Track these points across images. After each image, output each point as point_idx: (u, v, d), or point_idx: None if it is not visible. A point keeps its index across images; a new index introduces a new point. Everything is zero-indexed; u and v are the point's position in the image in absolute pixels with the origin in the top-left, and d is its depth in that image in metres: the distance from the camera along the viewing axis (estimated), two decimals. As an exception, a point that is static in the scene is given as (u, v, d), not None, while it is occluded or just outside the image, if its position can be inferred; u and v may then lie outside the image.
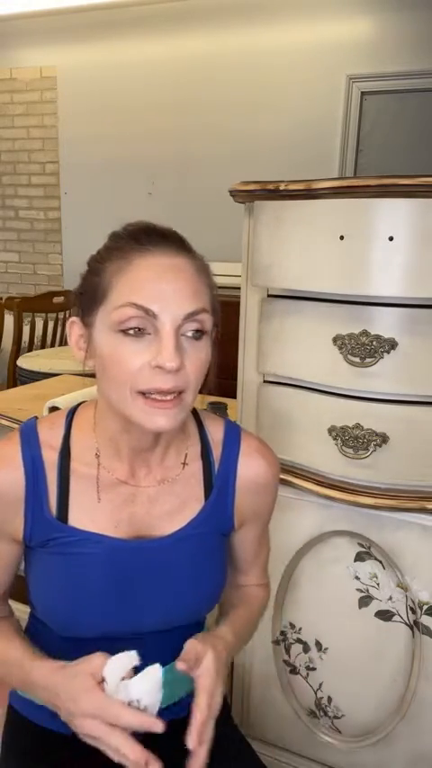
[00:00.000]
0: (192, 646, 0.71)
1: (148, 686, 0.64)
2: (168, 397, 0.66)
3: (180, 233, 0.72)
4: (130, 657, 0.65)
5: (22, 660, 0.74)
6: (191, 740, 0.65)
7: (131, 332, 0.65)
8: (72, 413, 0.81)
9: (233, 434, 0.84)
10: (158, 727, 0.62)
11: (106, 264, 0.68)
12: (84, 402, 0.83)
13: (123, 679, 0.64)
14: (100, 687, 0.64)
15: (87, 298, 0.70)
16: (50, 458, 0.76)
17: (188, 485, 0.80)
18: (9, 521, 0.76)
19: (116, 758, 0.63)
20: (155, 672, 0.65)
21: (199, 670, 0.69)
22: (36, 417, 0.80)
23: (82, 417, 0.80)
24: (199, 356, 0.68)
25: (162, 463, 0.79)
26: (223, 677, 0.72)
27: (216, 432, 0.84)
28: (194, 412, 0.85)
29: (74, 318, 0.73)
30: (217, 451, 0.82)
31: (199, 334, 0.68)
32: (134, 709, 0.63)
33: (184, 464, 0.80)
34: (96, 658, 0.66)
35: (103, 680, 0.65)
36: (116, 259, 0.68)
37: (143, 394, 0.66)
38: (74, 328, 0.73)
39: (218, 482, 0.81)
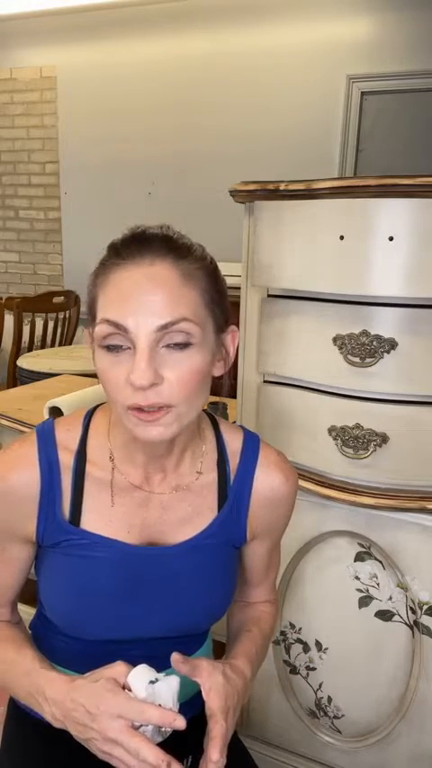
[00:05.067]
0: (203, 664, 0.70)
1: (170, 692, 0.65)
2: (155, 409, 0.65)
3: (176, 233, 0.70)
4: (150, 669, 0.66)
5: (33, 673, 0.73)
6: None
7: (111, 348, 0.65)
8: (90, 415, 0.80)
9: (252, 445, 0.82)
10: (181, 722, 0.61)
11: (96, 279, 0.69)
12: (102, 404, 0.82)
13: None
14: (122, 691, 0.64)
15: (88, 311, 0.71)
16: (66, 460, 0.76)
17: (202, 494, 0.79)
18: (23, 521, 0.76)
19: (134, 765, 0.62)
20: (174, 680, 0.66)
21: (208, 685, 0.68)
22: (54, 418, 0.80)
23: (99, 420, 0.79)
24: (186, 366, 0.65)
25: (177, 469, 0.78)
26: (236, 709, 0.71)
27: (234, 441, 0.82)
28: (213, 420, 0.84)
29: (87, 330, 0.73)
30: (234, 462, 0.81)
31: (183, 344, 0.65)
32: (157, 706, 0.62)
33: (198, 472, 0.79)
34: (119, 665, 0.66)
35: (124, 687, 0.65)
36: (100, 273, 0.68)
37: (131, 408, 0.66)
38: (88, 340, 0.73)
39: (232, 493, 0.80)
